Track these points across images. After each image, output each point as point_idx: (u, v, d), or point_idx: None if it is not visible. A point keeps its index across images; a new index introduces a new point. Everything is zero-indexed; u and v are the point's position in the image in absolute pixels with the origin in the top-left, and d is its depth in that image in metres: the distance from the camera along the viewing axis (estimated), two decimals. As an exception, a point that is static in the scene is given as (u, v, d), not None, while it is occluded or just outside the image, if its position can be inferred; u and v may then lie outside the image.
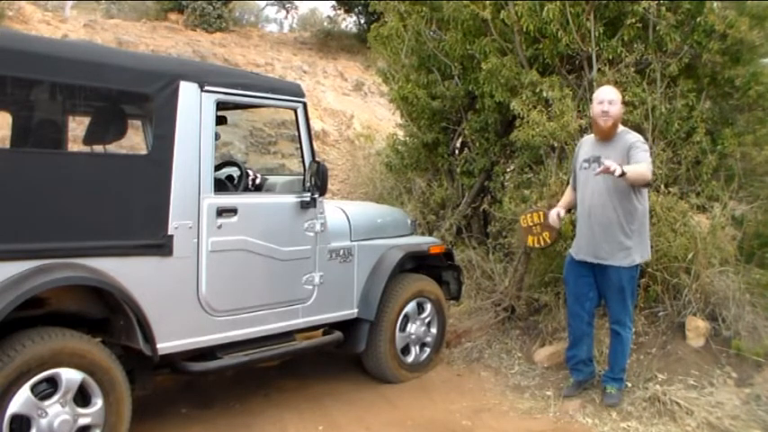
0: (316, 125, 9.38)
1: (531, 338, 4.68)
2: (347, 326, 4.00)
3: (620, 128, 3.70)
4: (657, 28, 4.51)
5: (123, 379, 2.88)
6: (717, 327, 4.10)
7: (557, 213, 3.91)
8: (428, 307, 4.39)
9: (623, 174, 3.32)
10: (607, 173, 3.35)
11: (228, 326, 3.31)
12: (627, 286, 3.69)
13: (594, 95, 3.76)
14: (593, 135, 3.79)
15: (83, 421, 2.73)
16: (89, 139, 3.36)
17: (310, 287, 3.71)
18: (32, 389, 2.59)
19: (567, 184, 4.15)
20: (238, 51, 12.03)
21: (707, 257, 4.20)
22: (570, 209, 4.01)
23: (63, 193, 2.75)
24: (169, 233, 3.04)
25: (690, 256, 4.15)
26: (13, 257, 2.59)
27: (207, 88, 3.21)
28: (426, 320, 4.40)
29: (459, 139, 6.05)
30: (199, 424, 3.56)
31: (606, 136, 3.64)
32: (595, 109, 3.66)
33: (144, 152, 3.30)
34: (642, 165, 3.47)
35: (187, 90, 3.13)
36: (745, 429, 3.44)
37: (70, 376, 2.69)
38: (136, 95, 3.16)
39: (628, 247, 3.63)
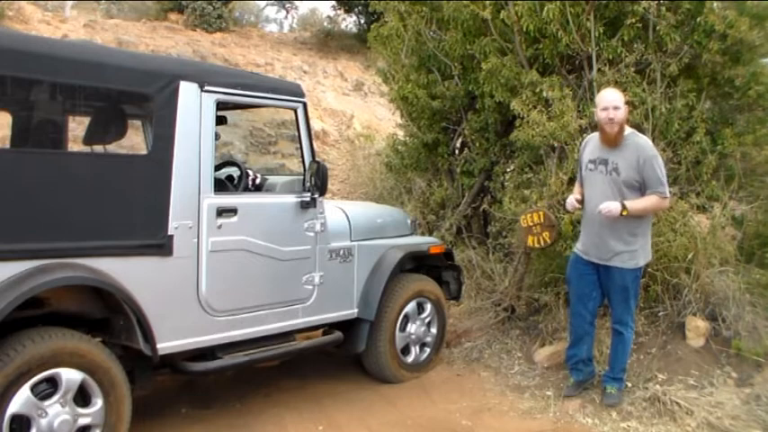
0: (316, 125, 9.38)
1: (531, 338, 4.68)
2: (347, 326, 4.00)
3: (627, 129, 3.66)
4: (657, 28, 4.51)
5: (123, 379, 2.88)
6: (717, 327, 4.10)
7: (574, 199, 3.78)
8: (428, 307, 4.39)
9: (624, 209, 3.47)
10: (610, 215, 3.49)
11: (228, 326, 3.31)
12: (631, 287, 3.69)
13: (597, 100, 3.71)
14: (598, 133, 3.74)
15: (83, 421, 2.73)
16: (89, 139, 3.36)
17: (310, 287, 3.71)
18: (32, 389, 2.59)
19: (574, 179, 4.11)
20: (238, 51, 12.03)
21: (707, 257, 4.20)
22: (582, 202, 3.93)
23: (63, 193, 2.75)
24: (169, 233, 3.04)
25: (690, 256, 4.15)
26: (13, 257, 2.59)
27: (207, 88, 3.21)
28: (426, 320, 4.40)
29: (459, 139, 6.05)
30: (199, 424, 3.56)
31: (613, 143, 3.61)
32: (600, 115, 3.60)
33: (144, 152, 3.29)
34: (651, 199, 3.55)
35: (187, 90, 3.13)
36: (745, 429, 3.44)
37: (70, 376, 2.69)
38: (136, 95, 3.16)
39: (633, 249, 3.63)
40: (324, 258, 3.78)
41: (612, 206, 3.50)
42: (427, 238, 4.91)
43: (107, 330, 3.05)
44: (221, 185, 3.71)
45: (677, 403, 3.65)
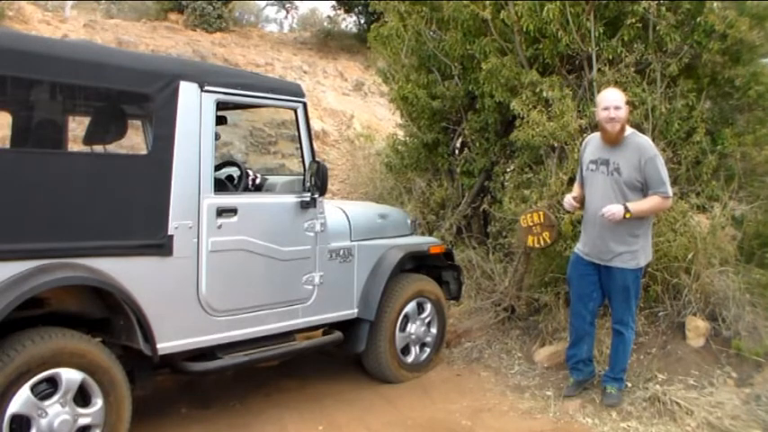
0: (316, 125, 9.38)
1: (531, 338, 4.68)
2: (347, 326, 4.00)
3: (628, 129, 3.66)
4: (657, 28, 4.51)
5: (123, 379, 2.88)
6: (717, 327, 4.10)
7: (572, 197, 3.81)
8: (428, 307, 4.39)
9: (627, 212, 3.47)
10: (613, 218, 3.48)
11: (228, 326, 3.31)
12: (631, 287, 3.68)
13: (598, 100, 3.71)
14: (598, 134, 3.74)
15: (83, 421, 2.73)
16: (89, 139, 3.36)
17: (310, 287, 3.71)
18: (32, 389, 2.59)
19: (574, 179, 4.12)
20: (238, 51, 12.04)
21: (707, 257, 4.20)
22: (581, 202, 3.89)
23: (63, 193, 2.74)
24: (169, 233, 3.04)
25: (690, 256, 4.15)
26: (13, 257, 2.59)
27: (207, 88, 3.21)
28: (426, 320, 4.40)
29: (459, 139, 6.05)
30: (199, 424, 3.56)
31: (615, 141, 3.61)
32: (601, 115, 3.61)
33: (144, 152, 3.29)
34: (653, 200, 3.55)
35: (187, 90, 3.13)
36: (745, 429, 3.44)
37: (70, 376, 2.69)
38: (136, 95, 3.16)
39: (634, 249, 3.63)
40: (324, 258, 3.78)
41: (615, 209, 3.50)
42: (427, 238, 4.91)
43: (107, 330, 3.05)
44: (221, 185, 3.71)
45: (677, 403, 3.65)
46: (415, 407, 3.86)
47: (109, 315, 3.01)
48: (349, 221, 4.03)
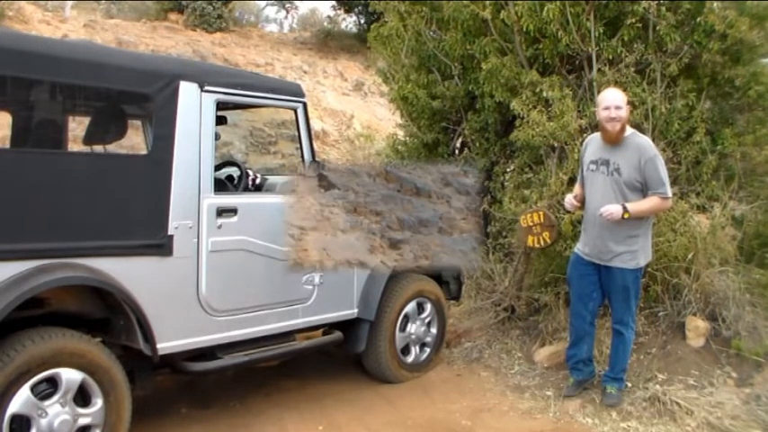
0: (316, 125, 9.38)
1: (531, 338, 4.68)
2: (347, 326, 4.00)
3: (629, 130, 3.66)
4: (657, 28, 4.51)
5: (123, 379, 2.88)
6: (717, 327, 4.10)
7: (573, 196, 3.82)
8: (428, 307, 4.39)
9: (626, 212, 3.47)
10: (612, 218, 3.48)
11: (228, 326, 3.31)
12: (631, 287, 3.68)
13: (599, 100, 3.71)
14: (599, 134, 3.74)
15: (83, 421, 2.73)
16: (89, 139, 3.36)
17: (310, 287, 3.71)
18: (32, 389, 2.59)
19: (574, 179, 4.12)
20: (238, 51, 12.05)
21: (707, 257, 4.20)
22: (582, 202, 3.89)
23: (63, 193, 2.75)
24: (169, 233, 3.04)
25: (690, 256, 4.15)
26: (13, 257, 2.59)
27: (207, 88, 3.21)
28: (426, 320, 4.40)
29: (459, 139, 6.05)
30: (199, 424, 3.56)
31: (615, 141, 3.61)
32: (602, 114, 3.61)
33: (144, 152, 3.30)
34: (653, 200, 3.54)
35: (187, 90, 3.13)
36: (745, 429, 3.44)
37: (70, 376, 2.69)
38: (136, 95, 3.16)
39: (634, 249, 3.62)
40: (324, 258, 3.78)
41: (614, 209, 3.50)
42: (427, 238, 4.90)
43: (107, 330, 3.05)
44: (221, 185, 3.70)
45: (677, 403, 3.65)
46: (415, 407, 3.86)
47: (109, 315, 3.01)
48: (349, 221, 4.02)
